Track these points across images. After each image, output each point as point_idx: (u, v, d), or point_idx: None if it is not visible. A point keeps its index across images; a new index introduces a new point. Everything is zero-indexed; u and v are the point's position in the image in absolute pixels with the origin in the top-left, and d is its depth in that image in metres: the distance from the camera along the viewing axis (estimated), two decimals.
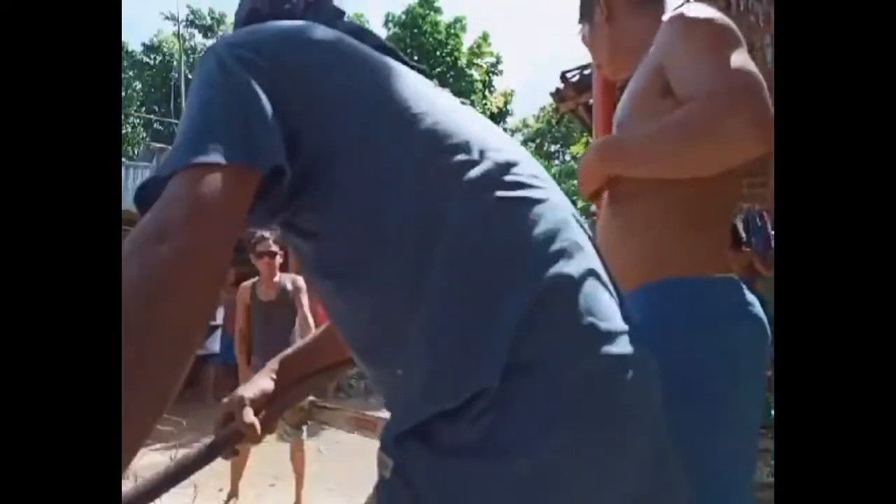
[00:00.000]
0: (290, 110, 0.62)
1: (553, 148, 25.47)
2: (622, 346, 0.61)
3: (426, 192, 0.63)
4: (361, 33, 0.76)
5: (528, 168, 0.69)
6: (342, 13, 0.82)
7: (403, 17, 18.27)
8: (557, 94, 4.63)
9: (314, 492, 3.56)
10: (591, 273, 0.64)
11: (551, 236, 0.63)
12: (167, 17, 21.23)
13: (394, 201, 0.63)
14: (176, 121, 19.52)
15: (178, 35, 21.44)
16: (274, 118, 0.60)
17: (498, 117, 18.34)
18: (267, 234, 3.44)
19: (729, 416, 0.93)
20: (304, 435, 3.43)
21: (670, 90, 0.96)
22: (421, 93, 0.69)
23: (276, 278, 3.54)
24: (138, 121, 21.26)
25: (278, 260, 3.57)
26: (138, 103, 21.61)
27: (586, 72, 4.09)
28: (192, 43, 22.47)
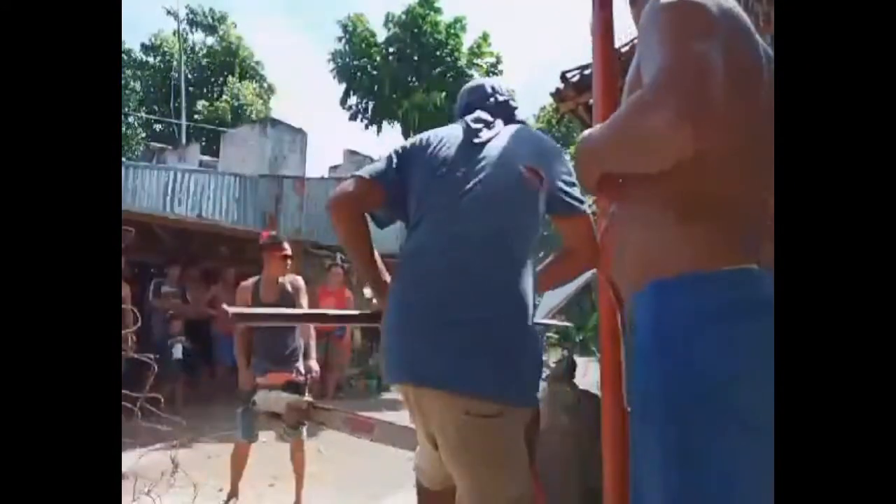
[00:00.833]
0: None
1: None
2: None
3: None
4: None
5: None
6: None
7: (403, 17, 18.26)
8: (557, 95, 4.61)
9: (314, 492, 3.56)
10: None
11: None
12: (169, 13, 21.28)
13: None
14: (175, 121, 19.55)
15: (177, 34, 21.44)
16: None
17: None
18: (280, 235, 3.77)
19: (734, 413, 0.91)
20: (304, 435, 3.42)
21: None
22: None
23: (281, 278, 3.56)
24: (138, 121, 21.25)
25: (289, 262, 3.60)
26: (137, 103, 21.59)
27: (586, 72, 4.08)
28: (192, 42, 22.52)
